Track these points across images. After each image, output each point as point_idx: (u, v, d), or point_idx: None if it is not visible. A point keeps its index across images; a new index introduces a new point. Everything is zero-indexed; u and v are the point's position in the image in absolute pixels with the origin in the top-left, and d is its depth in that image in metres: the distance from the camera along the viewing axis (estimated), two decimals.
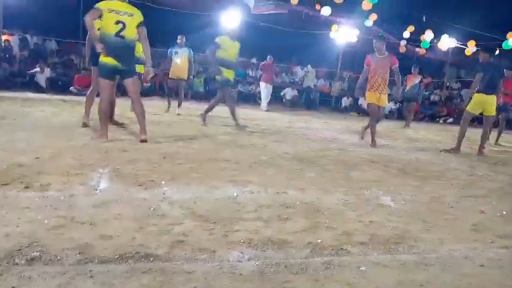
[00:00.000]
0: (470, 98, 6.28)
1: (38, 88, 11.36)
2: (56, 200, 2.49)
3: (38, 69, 11.65)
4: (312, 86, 15.14)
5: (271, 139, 5.95)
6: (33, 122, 5.62)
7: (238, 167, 3.86)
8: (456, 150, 6.20)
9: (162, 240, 2.05)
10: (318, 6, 12.80)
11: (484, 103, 6.16)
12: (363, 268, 1.93)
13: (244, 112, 10.47)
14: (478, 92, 6.17)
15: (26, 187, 2.68)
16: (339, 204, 2.93)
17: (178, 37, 8.16)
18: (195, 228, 2.24)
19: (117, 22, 4.34)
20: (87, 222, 2.20)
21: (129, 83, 4.64)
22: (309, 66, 14.96)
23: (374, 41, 6.12)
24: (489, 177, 4.53)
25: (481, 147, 6.26)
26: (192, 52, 8.25)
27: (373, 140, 6.13)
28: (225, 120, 8.02)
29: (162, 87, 13.69)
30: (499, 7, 13.53)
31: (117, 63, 4.44)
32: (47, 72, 11.84)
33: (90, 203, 2.49)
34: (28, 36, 13.97)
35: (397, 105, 14.56)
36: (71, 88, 11.65)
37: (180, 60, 8.09)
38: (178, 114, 8.05)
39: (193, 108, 9.20)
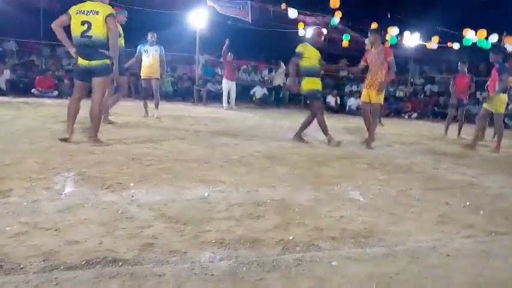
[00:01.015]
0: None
1: None
2: (18, 206, 2.39)
3: None
4: (282, 84, 15.21)
5: (242, 138, 5.93)
6: None
7: (209, 166, 3.83)
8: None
9: (130, 244, 2.00)
10: (283, 6, 12.82)
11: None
12: (334, 263, 1.95)
13: (214, 111, 10.41)
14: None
15: None
16: (309, 201, 2.96)
17: (149, 34, 7.68)
18: (165, 230, 2.20)
19: (83, 23, 4.25)
20: (51, 228, 2.11)
21: (95, 82, 4.43)
22: (281, 63, 14.96)
23: (369, 35, 6.01)
24: (452, 169, 4.70)
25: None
26: (163, 50, 7.81)
27: (370, 136, 5.94)
28: (195, 120, 7.95)
29: (129, 88, 13.41)
30: (458, 5, 14.06)
31: (85, 61, 4.35)
32: (7, 74, 11.35)
33: (54, 208, 2.40)
34: None
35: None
36: (32, 90, 11.22)
37: (150, 58, 7.72)
38: (157, 118, 7.63)
39: (162, 108, 9.03)
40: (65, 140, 4.40)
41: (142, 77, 7.93)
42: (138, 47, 7.77)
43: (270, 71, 16.92)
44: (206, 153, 4.46)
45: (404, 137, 7.87)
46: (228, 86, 12.07)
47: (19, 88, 11.49)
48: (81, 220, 2.25)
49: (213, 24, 13.64)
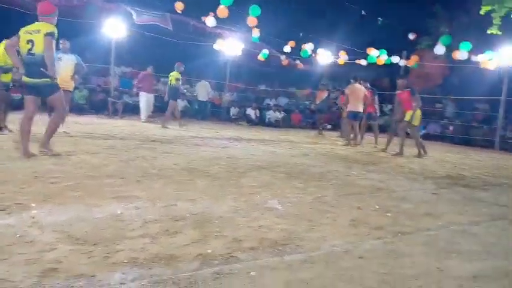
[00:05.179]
0: None
1: None
2: None
3: None
4: (207, 99, 15.12)
5: (161, 151, 5.74)
6: None
7: (124, 182, 3.62)
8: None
9: (29, 271, 1.79)
10: (203, 18, 12.84)
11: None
12: (252, 273, 1.93)
13: (131, 124, 10.01)
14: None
15: None
16: (229, 212, 2.92)
17: (61, 41, 7.04)
18: (71, 253, 2.01)
19: (28, 41, 4.47)
20: None
21: (51, 100, 4.72)
22: (203, 81, 14.95)
23: None
24: (363, 176, 5.00)
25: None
26: (80, 59, 7.20)
27: None
28: (109, 134, 7.53)
29: None
30: (363, 27, 15.43)
31: (30, 79, 4.50)
32: None
33: None
34: None
35: (282, 114, 15.37)
36: None
37: (62, 68, 7.04)
38: (66, 132, 6.91)
39: (72, 121, 8.44)
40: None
41: None
42: None
43: (193, 84, 16.74)
44: (121, 168, 4.22)
45: (319, 148, 8.24)
46: (146, 99, 11.88)
47: None
48: None
49: (131, 35, 13.13)
